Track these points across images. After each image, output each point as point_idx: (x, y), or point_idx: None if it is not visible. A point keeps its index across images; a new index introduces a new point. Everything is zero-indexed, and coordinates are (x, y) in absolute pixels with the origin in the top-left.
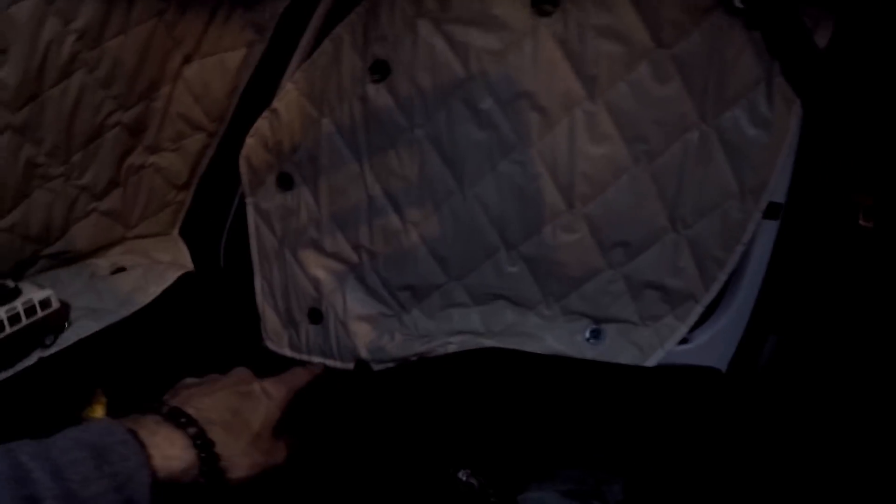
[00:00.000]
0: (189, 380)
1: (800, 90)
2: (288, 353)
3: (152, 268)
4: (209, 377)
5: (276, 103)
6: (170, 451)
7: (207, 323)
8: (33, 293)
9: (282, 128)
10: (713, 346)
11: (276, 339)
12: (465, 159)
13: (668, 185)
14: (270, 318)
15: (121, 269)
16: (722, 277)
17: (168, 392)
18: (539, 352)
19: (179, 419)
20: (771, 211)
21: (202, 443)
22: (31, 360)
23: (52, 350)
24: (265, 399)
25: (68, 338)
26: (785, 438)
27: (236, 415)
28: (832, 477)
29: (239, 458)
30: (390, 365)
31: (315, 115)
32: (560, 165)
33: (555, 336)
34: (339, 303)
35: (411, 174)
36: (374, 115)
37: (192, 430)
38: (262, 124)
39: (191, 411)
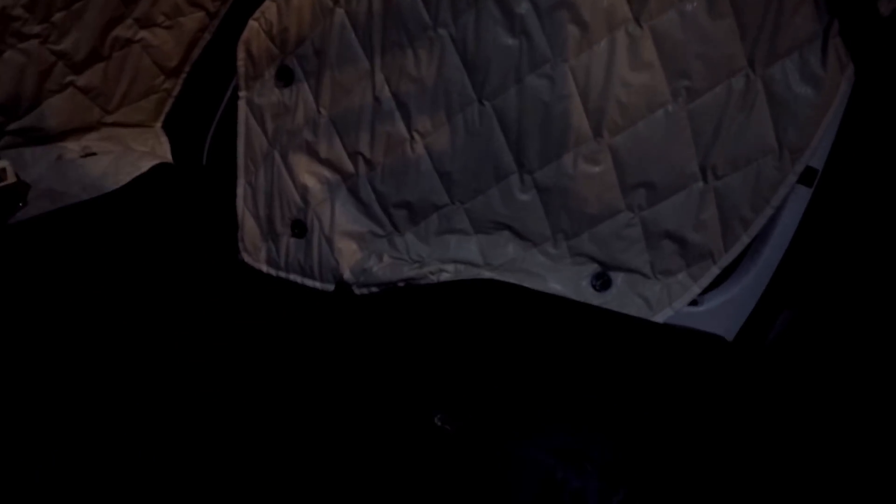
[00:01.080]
0: None
1: (855, 54)
2: (264, 268)
3: (125, 154)
4: None
5: None
6: None
7: (180, 223)
8: None
9: (290, 14)
10: (723, 314)
11: (254, 252)
12: (488, 66)
13: (704, 129)
14: (250, 228)
15: (91, 154)
16: (745, 239)
17: None
18: (540, 290)
19: None
20: (807, 176)
21: None
22: None
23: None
24: None
25: (20, 217)
26: (783, 418)
27: None
28: (829, 464)
29: None
30: (374, 290)
31: (329, 4)
32: (593, 88)
33: (559, 277)
34: (326, 216)
35: (427, 77)
36: (394, 8)
37: None
38: (268, 7)
39: None
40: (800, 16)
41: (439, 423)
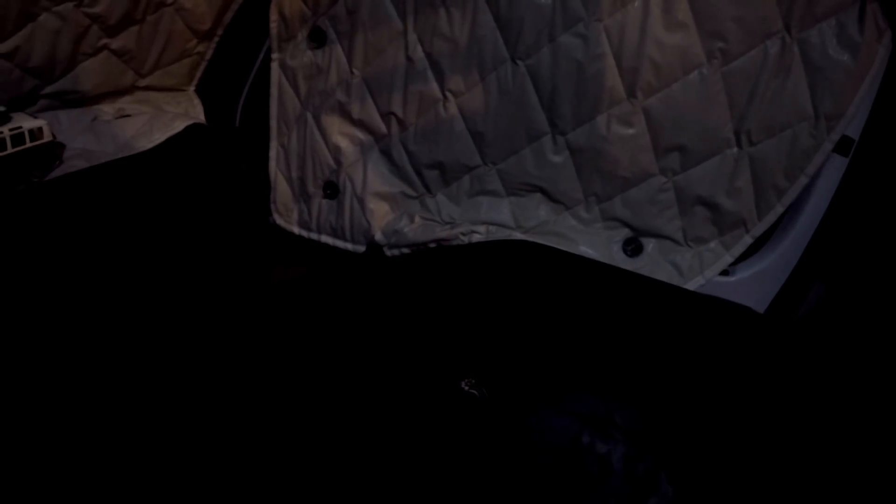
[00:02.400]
0: None
1: (894, 20)
2: (296, 230)
3: (159, 115)
4: None
5: None
6: None
7: (213, 184)
8: (24, 122)
9: None
10: (754, 285)
11: (286, 214)
12: (522, 25)
13: (739, 93)
14: (282, 190)
15: (125, 116)
16: (779, 209)
17: None
18: (571, 253)
19: None
20: (843, 145)
21: None
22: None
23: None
24: None
25: (55, 174)
26: (811, 393)
27: None
28: (856, 442)
29: None
30: (405, 251)
31: None
32: (627, 48)
33: (590, 241)
34: (358, 177)
35: (460, 37)
36: None
37: None
38: None
39: None
40: None
41: (466, 388)
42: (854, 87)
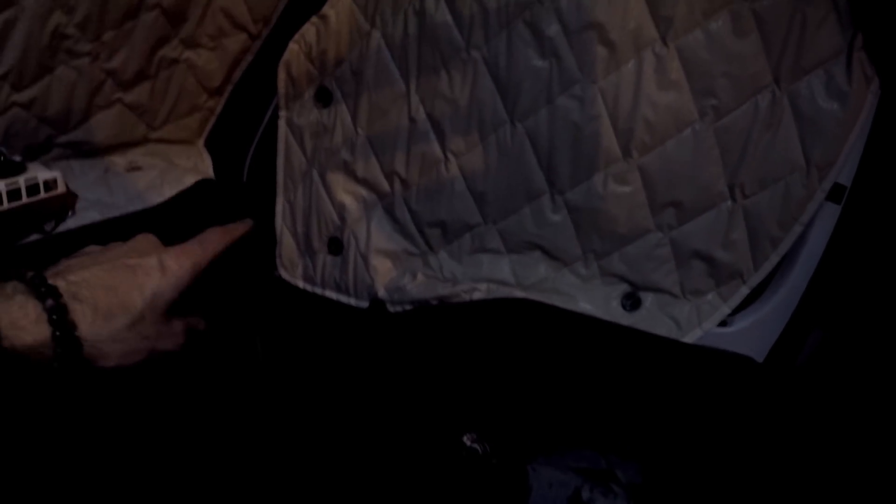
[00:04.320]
0: (89, 248)
1: (881, 67)
2: (300, 284)
3: (170, 170)
4: (110, 245)
5: (326, 9)
6: (21, 320)
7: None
8: (39, 172)
9: (329, 37)
10: (753, 334)
11: (290, 268)
12: (520, 88)
13: (732, 147)
14: (287, 244)
15: (137, 169)
16: (774, 258)
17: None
18: (570, 309)
19: (40, 288)
20: (835, 193)
21: (59, 319)
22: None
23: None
24: (157, 275)
25: (70, 226)
26: (814, 441)
27: (113, 293)
28: (861, 490)
29: (107, 345)
30: (407, 307)
31: (366, 27)
32: (622, 108)
33: (589, 297)
34: (362, 234)
35: (460, 99)
36: (429, 31)
37: (49, 303)
38: (308, 30)
39: (59, 283)
40: (824, 30)
41: (469, 443)
42: (844, 135)
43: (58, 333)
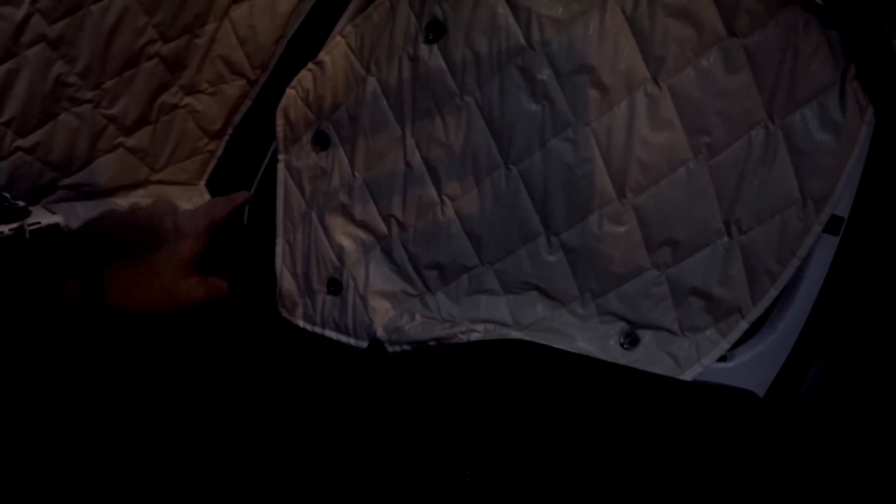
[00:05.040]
0: (112, 210)
1: (874, 96)
2: (300, 323)
3: None
4: (131, 207)
5: (322, 55)
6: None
7: (219, 275)
8: (42, 217)
9: (325, 82)
10: (753, 368)
11: (290, 308)
12: (513, 132)
13: (727, 184)
14: (287, 285)
15: None
16: (773, 293)
17: None
18: (568, 350)
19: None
20: (832, 225)
21: (87, 269)
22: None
23: None
24: (173, 235)
25: None
26: (816, 474)
27: (134, 248)
28: None
29: (128, 291)
30: (406, 348)
31: (361, 73)
32: (615, 149)
33: (587, 336)
34: (360, 275)
35: (455, 143)
36: (423, 77)
37: (78, 255)
38: (305, 76)
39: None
40: (816, 62)
41: (469, 479)
42: (840, 166)
43: (85, 280)
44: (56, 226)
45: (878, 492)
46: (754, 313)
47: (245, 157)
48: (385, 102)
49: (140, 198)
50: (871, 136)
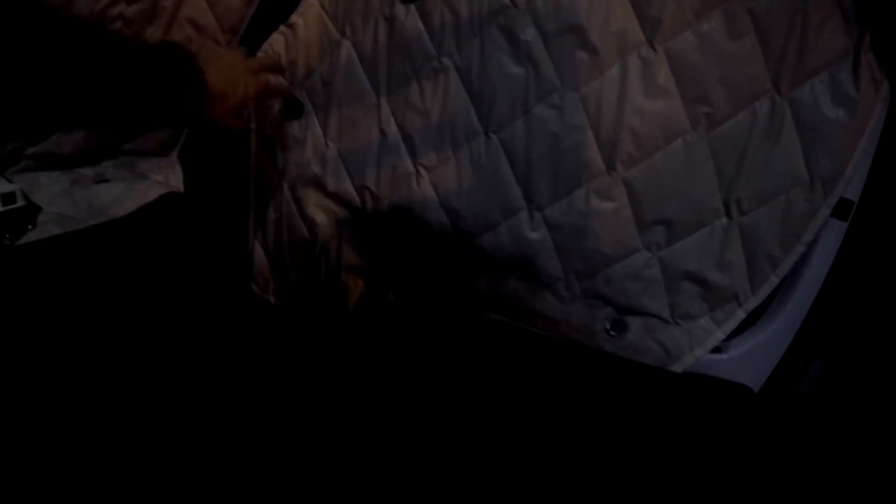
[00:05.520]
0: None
1: (890, 70)
2: (272, 299)
3: (137, 182)
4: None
5: (294, 18)
6: None
7: (189, 253)
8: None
9: (297, 46)
10: (749, 362)
11: (263, 284)
12: (494, 97)
13: (727, 160)
14: (260, 259)
15: (104, 181)
16: (774, 280)
17: None
18: (549, 335)
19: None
20: (841, 209)
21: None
22: None
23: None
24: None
25: (28, 239)
26: (813, 477)
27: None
28: None
29: (220, 86)
30: (380, 325)
31: (336, 37)
32: (605, 117)
33: (571, 321)
34: (333, 250)
35: (432, 110)
36: (399, 39)
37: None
38: (276, 40)
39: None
40: (827, 30)
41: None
42: (851, 145)
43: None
44: (12, 194)
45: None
46: (753, 302)
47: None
48: (360, 67)
49: (108, 168)
50: (885, 114)
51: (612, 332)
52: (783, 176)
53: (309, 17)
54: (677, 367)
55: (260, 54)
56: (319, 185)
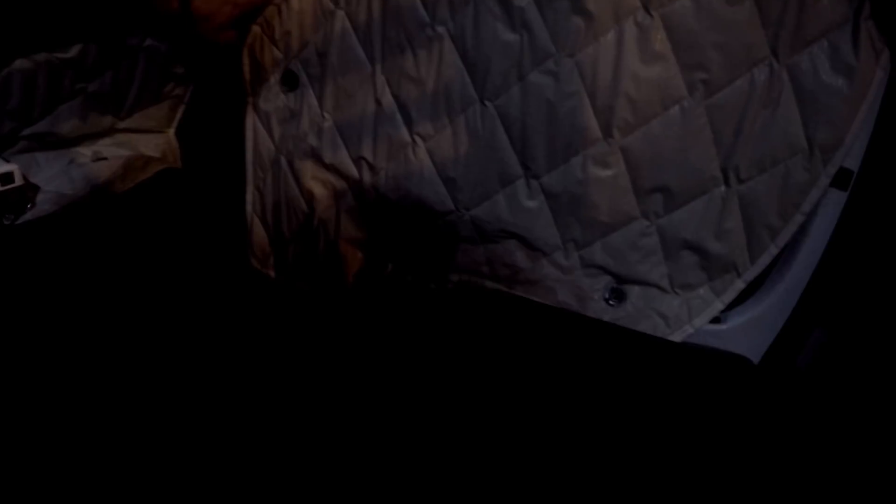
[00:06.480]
0: None
1: (891, 37)
2: (272, 273)
3: (135, 160)
4: None
5: None
6: None
7: (188, 228)
8: None
9: (292, 18)
10: (748, 332)
11: (262, 258)
12: (489, 64)
13: (725, 127)
14: (258, 233)
15: (102, 159)
16: (773, 250)
17: None
18: (548, 304)
19: None
20: (841, 178)
21: None
22: None
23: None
24: None
25: (28, 218)
26: (813, 449)
27: None
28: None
29: None
30: (379, 297)
31: (329, 6)
32: (601, 84)
33: (569, 290)
34: (331, 222)
35: (427, 78)
36: (393, 8)
37: None
38: (270, 11)
39: None
40: None
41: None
42: (851, 114)
43: None
44: (10, 174)
45: (877, 476)
46: (752, 272)
47: (216, 102)
48: (354, 37)
49: (105, 146)
50: (885, 83)
51: (610, 302)
52: (782, 144)
53: None
54: (676, 337)
55: (254, 27)
56: (316, 157)
